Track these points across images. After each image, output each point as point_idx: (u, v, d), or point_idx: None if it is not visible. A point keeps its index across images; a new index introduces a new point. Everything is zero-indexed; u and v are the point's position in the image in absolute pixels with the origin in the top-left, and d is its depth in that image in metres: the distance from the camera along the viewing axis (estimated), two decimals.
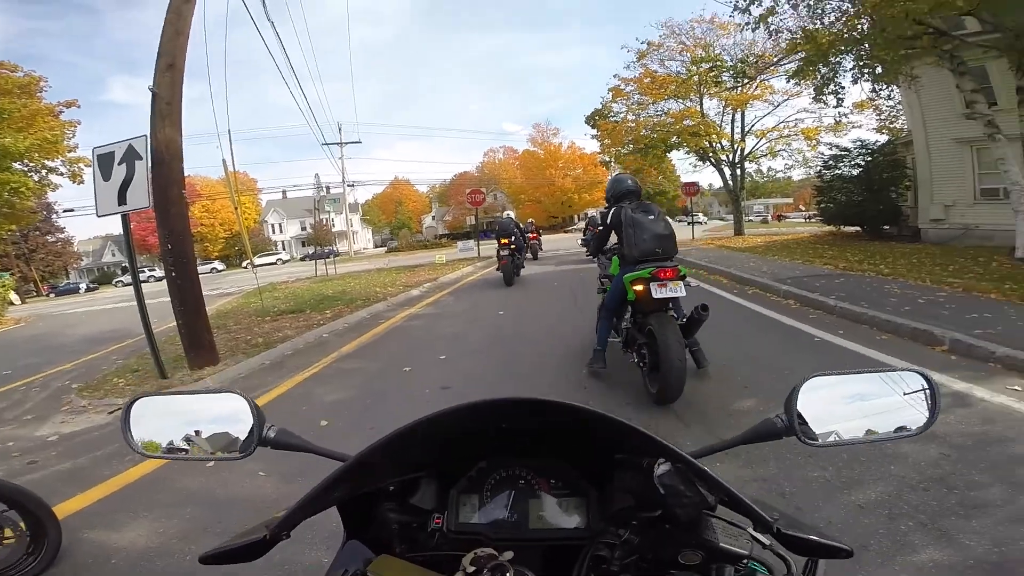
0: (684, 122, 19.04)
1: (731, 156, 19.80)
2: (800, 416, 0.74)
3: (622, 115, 21.27)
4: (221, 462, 0.88)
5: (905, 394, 0.78)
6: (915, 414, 0.77)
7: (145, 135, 5.26)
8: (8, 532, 2.18)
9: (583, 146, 54.46)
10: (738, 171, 20.01)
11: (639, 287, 3.50)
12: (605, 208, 4.14)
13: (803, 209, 56.04)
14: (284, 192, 63.01)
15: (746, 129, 19.65)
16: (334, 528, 0.79)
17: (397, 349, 6.08)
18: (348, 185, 39.83)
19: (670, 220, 3.89)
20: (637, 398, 3.66)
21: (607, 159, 24.02)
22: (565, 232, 48.45)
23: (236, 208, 10.53)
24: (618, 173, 7.45)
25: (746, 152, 19.80)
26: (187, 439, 0.80)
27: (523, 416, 0.74)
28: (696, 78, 18.41)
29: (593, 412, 0.67)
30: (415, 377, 4.89)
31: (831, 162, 16.51)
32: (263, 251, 51.58)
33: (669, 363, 3.20)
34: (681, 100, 19.53)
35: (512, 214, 13.50)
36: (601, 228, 4.18)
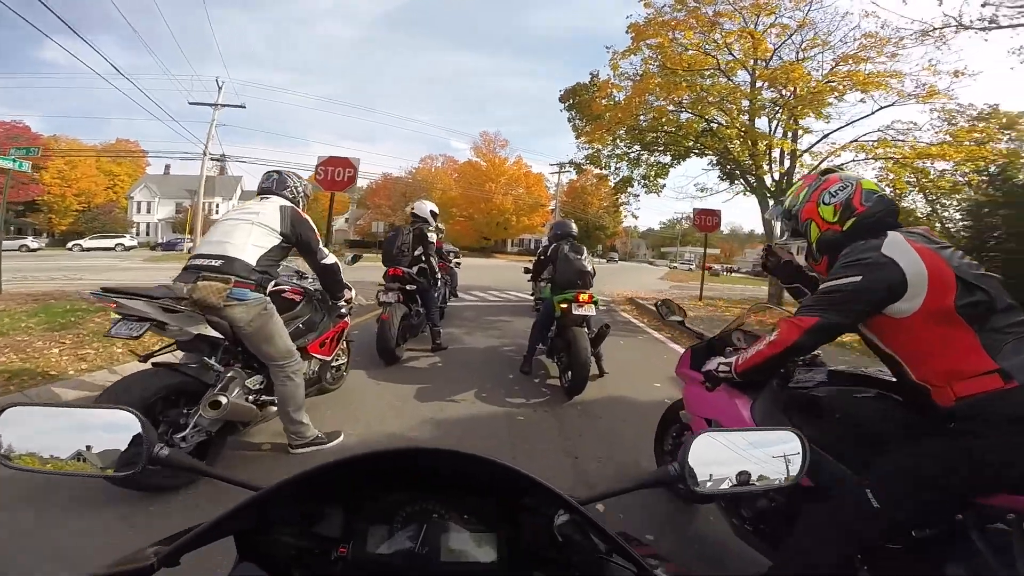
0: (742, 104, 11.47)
1: (776, 179, 12.53)
2: (691, 466, 0.83)
3: (637, 78, 12.77)
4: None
5: (781, 451, 0.91)
6: (789, 468, 0.90)
7: None
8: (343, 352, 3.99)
9: (530, 164, 48.73)
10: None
11: (564, 306, 4.49)
12: (545, 244, 5.65)
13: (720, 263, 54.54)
14: (167, 167, 51.82)
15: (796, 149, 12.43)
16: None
17: None
18: (214, 159, 28.90)
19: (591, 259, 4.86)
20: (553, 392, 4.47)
21: (583, 161, 15.70)
22: (496, 257, 41.08)
23: None
24: (563, 218, 6.89)
25: (793, 178, 12.55)
26: (71, 453, 0.76)
27: (433, 463, 0.79)
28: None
29: (500, 465, 0.73)
30: None
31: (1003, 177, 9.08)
32: (103, 231, 39.75)
33: (578, 363, 4.17)
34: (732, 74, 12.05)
35: (431, 207, 5.83)
36: (542, 259, 5.21)
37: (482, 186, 46.16)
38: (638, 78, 12.64)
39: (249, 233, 2.70)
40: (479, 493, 0.81)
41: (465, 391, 4.32)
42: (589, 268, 4.69)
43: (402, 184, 49.18)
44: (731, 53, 11.90)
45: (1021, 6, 6.94)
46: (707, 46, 11.87)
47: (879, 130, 11.68)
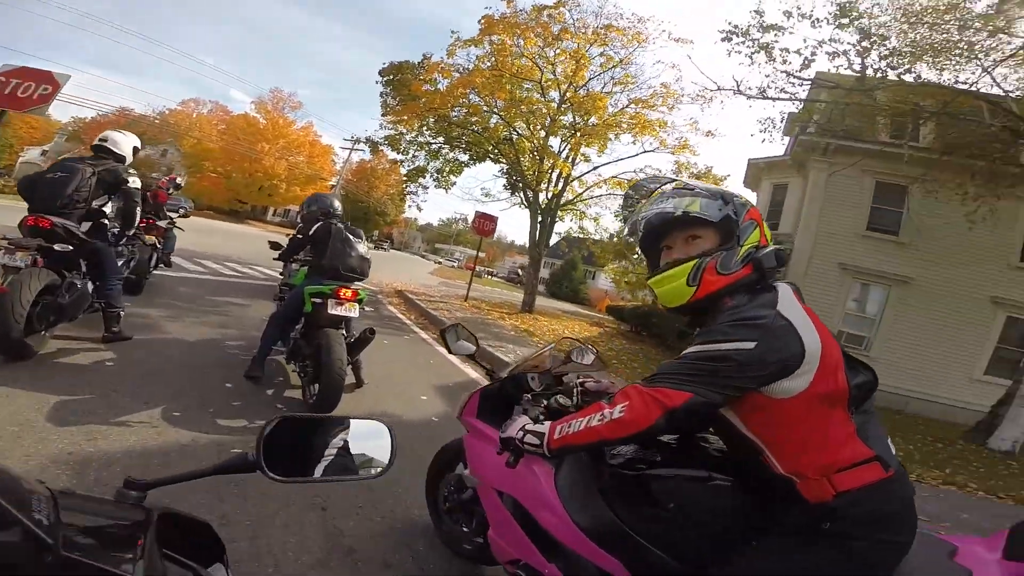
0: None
1: (548, 197, 13.45)
2: (270, 452, 0.76)
3: (466, 71, 12.63)
4: None
5: (371, 443, 0.89)
6: (379, 459, 0.89)
7: None
8: None
9: (321, 134, 44.39)
10: (548, 220, 13.74)
11: (318, 300, 3.53)
12: (305, 215, 4.27)
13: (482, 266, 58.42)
14: None
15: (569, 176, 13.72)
16: None
17: None
18: None
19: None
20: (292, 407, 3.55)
21: (382, 141, 14.84)
22: (250, 224, 35.78)
23: None
24: (324, 193, 5.36)
25: (561, 200, 13.75)
26: None
27: None
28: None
29: None
30: None
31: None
32: None
33: (330, 376, 3.23)
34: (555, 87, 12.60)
35: (135, 143, 4.06)
36: (300, 237, 4.08)
37: (253, 144, 39.92)
38: (467, 72, 12.54)
39: None
40: None
41: (147, 407, 2.91)
42: (367, 255, 3.93)
43: (143, 123, 39.43)
44: (554, 73, 12.57)
45: (805, 79, 8.65)
46: (539, 59, 12.37)
47: (634, 171, 13.57)
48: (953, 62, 7.15)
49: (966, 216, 8.15)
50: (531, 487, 1.53)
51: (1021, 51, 6.75)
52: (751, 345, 1.06)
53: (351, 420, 0.90)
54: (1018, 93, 7.20)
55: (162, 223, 6.12)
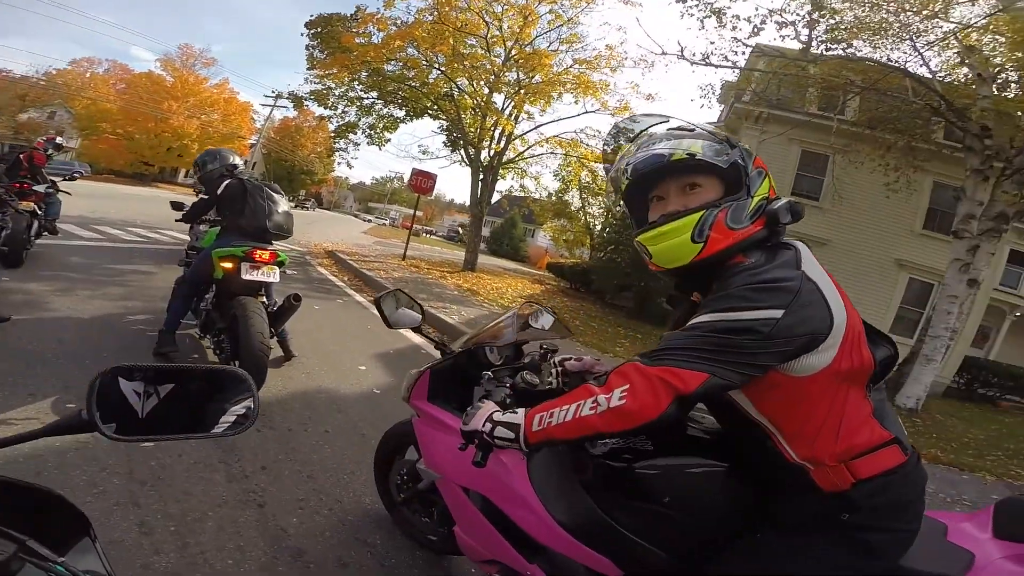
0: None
1: (491, 155, 13.13)
2: (108, 410, 0.68)
3: (404, 24, 11.83)
4: None
5: (231, 393, 0.80)
6: (243, 411, 0.78)
7: None
8: None
9: (239, 91, 40.62)
10: (490, 178, 13.42)
11: (228, 264, 3.12)
12: (203, 175, 3.71)
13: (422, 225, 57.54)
14: None
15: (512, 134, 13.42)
16: None
17: None
18: None
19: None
20: None
21: (307, 96, 13.84)
22: (158, 187, 32.58)
23: None
24: (219, 148, 4.28)
25: (503, 158, 13.50)
26: None
27: None
28: None
29: None
30: None
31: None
32: None
33: (249, 351, 2.87)
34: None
35: None
36: (207, 197, 3.54)
37: (159, 104, 36.14)
38: (406, 25, 11.88)
39: None
40: None
41: (33, 400, 2.48)
42: (290, 211, 3.59)
43: (23, 85, 34.39)
44: (500, 29, 12.07)
45: (752, 46, 8.66)
46: (486, 14, 11.81)
47: (575, 131, 13.48)
48: (889, 41, 7.47)
49: (887, 185, 8.72)
50: (501, 481, 1.35)
51: (950, 35, 7.14)
52: (778, 313, 0.90)
53: (205, 368, 0.84)
54: (942, 74, 7.68)
55: (40, 188, 5.42)
